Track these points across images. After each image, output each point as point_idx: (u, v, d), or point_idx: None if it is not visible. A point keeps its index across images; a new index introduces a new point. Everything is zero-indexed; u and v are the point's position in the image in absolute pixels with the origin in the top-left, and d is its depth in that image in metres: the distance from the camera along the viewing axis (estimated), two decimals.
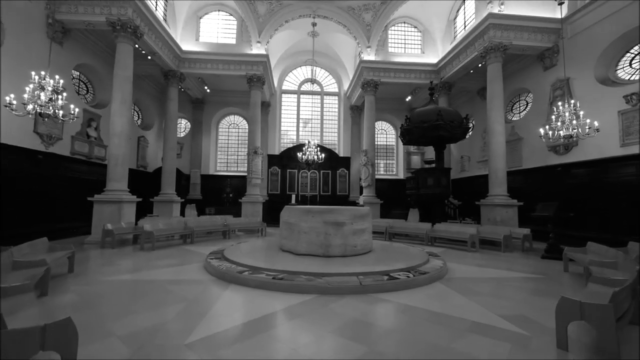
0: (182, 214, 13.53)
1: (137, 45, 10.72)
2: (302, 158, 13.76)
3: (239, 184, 17.13)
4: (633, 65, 9.03)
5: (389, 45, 14.93)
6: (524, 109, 12.89)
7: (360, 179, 17.15)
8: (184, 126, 17.97)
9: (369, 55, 14.25)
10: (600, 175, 9.28)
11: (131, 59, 9.92)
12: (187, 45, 13.56)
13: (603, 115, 8.85)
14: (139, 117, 15.83)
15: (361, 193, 17.24)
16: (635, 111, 8.39)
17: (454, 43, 13.43)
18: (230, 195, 16.57)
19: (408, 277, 4.94)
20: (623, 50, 9.25)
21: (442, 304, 4.14)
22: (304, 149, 13.71)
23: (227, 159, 18.35)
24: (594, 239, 8.69)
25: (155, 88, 16.22)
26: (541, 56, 11.36)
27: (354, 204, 16.25)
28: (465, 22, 13.21)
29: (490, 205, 10.39)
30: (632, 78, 8.98)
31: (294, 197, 7.77)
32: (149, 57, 12.10)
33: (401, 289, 4.75)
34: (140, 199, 9.89)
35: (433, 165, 12.07)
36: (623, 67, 9.29)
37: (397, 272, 5.19)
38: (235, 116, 18.42)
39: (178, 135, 15.28)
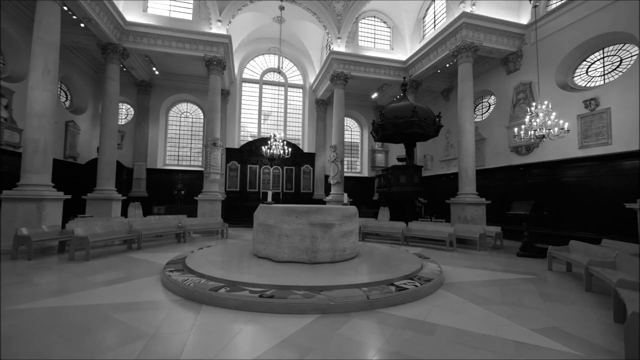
0: (124, 214, 11.54)
1: (65, 7, 8.69)
2: (267, 152, 12.67)
3: (192, 180, 15.37)
4: (589, 73, 9.64)
5: (359, 38, 14.46)
6: (486, 111, 13.36)
7: (328, 177, 16.54)
8: (125, 112, 15.58)
9: (339, 47, 13.62)
10: (560, 175, 9.79)
11: (57, 21, 7.94)
12: (131, 15, 11.54)
13: (563, 119, 9.27)
14: (67, 97, 13.26)
15: (326, 191, 16.66)
16: (593, 115, 8.92)
17: (423, 42, 13.43)
18: (182, 192, 14.74)
19: (416, 286, 4.32)
20: (580, 59, 9.85)
21: (465, 319, 3.58)
22: (269, 142, 12.62)
23: (179, 151, 16.36)
24: (559, 237, 9.14)
25: (90, 65, 13.73)
26: (505, 60, 11.77)
27: (320, 202, 15.57)
28: (435, 21, 13.26)
29: (462, 203, 10.44)
30: (588, 85, 9.58)
31: (270, 194, 6.73)
32: (82, 25, 9.99)
33: (409, 300, 4.12)
34: (69, 196, 7.98)
35: (404, 163, 11.85)
36: (580, 75, 9.89)
37: (400, 280, 4.56)
38: (189, 104, 16.49)
39: (119, 123, 13.07)
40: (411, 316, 3.63)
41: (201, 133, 16.54)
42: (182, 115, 16.48)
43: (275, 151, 12.51)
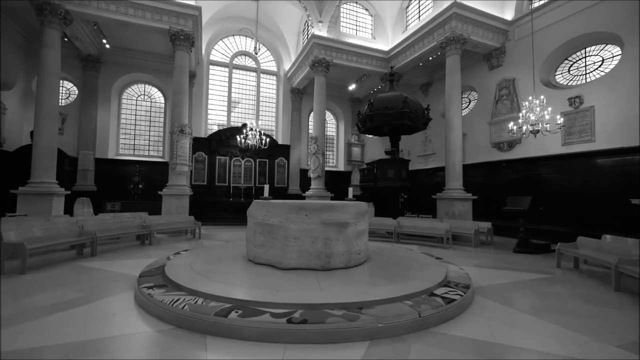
0: (68, 211, 9.61)
1: None
2: (241, 142, 11.49)
3: (151, 173, 13.55)
4: (571, 72, 9.90)
5: (341, 24, 13.69)
6: (466, 106, 13.41)
7: (304, 170, 15.71)
8: (67, 91, 13.18)
9: (321, 31, 12.72)
10: (542, 171, 9.98)
11: None
12: None
13: (547, 116, 9.44)
14: None
15: (301, 185, 15.81)
16: (576, 113, 9.14)
17: (406, 33, 13.06)
18: (140, 186, 12.89)
19: (461, 295, 3.71)
20: (563, 57, 10.08)
21: (536, 337, 3.03)
22: (244, 131, 11.44)
23: (135, 139, 14.30)
24: (542, 232, 9.30)
25: (21, 31, 11.30)
26: (488, 56, 11.81)
27: (298, 197, 14.69)
28: (419, 12, 12.93)
29: (449, 199, 10.24)
30: (569, 83, 9.84)
31: (267, 188, 5.72)
32: None
33: (458, 313, 3.50)
34: None
35: (389, 157, 11.40)
36: (562, 73, 10.14)
37: (437, 288, 3.93)
38: (147, 85, 14.46)
39: (59, 104, 10.87)
40: (475, 336, 2.98)
41: (161, 119, 14.65)
42: (139, 98, 14.40)
43: (251, 142, 11.37)
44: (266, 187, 5.70)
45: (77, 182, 12.17)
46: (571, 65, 9.92)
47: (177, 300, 3.29)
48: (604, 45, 9.09)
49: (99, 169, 12.80)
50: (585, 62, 9.54)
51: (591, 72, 9.32)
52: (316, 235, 4.53)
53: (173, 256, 5.51)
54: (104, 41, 12.09)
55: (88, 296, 3.92)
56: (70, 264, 5.56)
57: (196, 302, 3.26)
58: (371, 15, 14.37)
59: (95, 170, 12.62)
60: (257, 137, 11.22)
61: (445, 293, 3.75)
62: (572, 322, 3.41)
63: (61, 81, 12.31)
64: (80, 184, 12.17)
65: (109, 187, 12.82)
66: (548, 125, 7.87)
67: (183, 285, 3.66)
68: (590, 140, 8.78)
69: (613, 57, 8.85)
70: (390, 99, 10.14)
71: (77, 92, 13.12)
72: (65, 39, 11.03)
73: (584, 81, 9.42)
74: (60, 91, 12.15)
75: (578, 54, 9.74)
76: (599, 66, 9.14)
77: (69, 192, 9.64)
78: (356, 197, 16.26)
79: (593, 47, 9.35)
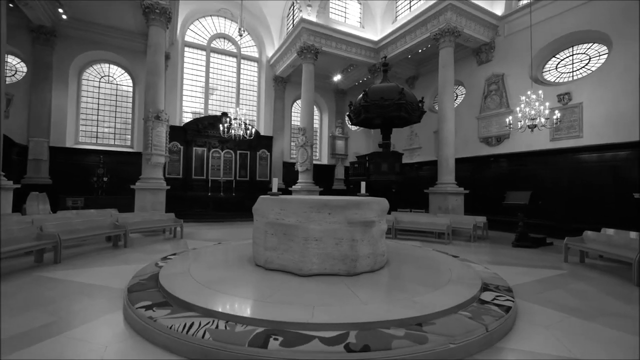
0: (17, 208, 8.18)
1: None
2: (224, 132, 10.55)
3: (117, 164, 12.14)
4: (559, 69, 10.10)
5: (330, 10, 13.03)
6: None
7: (286, 163, 15.04)
8: (12, 68, 11.30)
9: (310, 16, 11.99)
10: (530, 166, 10.15)
11: None
12: None
13: (546, 111, 9.54)
14: None
15: (284, 179, 15.12)
16: (565, 109, 9.33)
17: (396, 24, 12.71)
18: (105, 179, 11.47)
19: (511, 301, 3.36)
20: (551, 55, 10.26)
21: (617, 349, 2.74)
22: (227, 120, 10.51)
23: (97, 126, 12.69)
24: (532, 225, 9.45)
25: None
26: (477, 50, 11.79)
27: (285, 191, 13.98)
28: (410, 2, 12.61)
29: (443, 193, 10.13)
30: (557, 80, 10.04)
31: (275, 181, 5.01)
32: None
33: (512, 323, 3.14)
34: None
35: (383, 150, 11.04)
36: (549, 70, 10.33)
37: (482, 293, 3.56)
38: (112, 65, 12.84)
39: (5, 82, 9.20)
40: (549, 350, 2.63)
41: (129, 104, 13.16)
42: (102, 80, 12.77)
43: (235, 131, 10.47)
44: (274, 180, 4.99)
45: (28, 174, 10.51)
46: (559, 63, 10.12)
47: (191, 326, 2.59)
48: (592, 44, 9.31)
49: (55, 160, 11.17)
50: (573, 59, 9.76)
51: (578, 70, 9.54)
52: (340, 237, 3.99)
53: (163, 262, 4.69)
54: (60, 10, 10.42)
55: (63, 320, 3.07)
56: (30, 276, 4.53)
57: (217, 326, 2.59)
58: (360, 3, 13.84)
59: (50, 160, 10.99)
60: (243, 127, 10.35)
61: (494, 299, 3.39)
62: (628, 325, 3.19)
63: (8, 56, 10.50)
64: (32, 176, 10.53)
65: (67, 179, 11.26)
66: (547, 120, 7.88)
67: (193, 304, 2.95)
68: (578, 136, 9.00)
69: (600, 55, 9.09)
70: (386, 90, 9.72)
71: (25, 69, 11.29)
72: (11, 5, 9.34)
73: (571, 78, 9.64)
74: (7, 68, 10.34)
75: (566, 51, 9.95)
76: (586, 64, 9.37)
77: (18, 186, 8.16)
78: (343, 192, 15.89)
79: (581, 46, 9.56)
